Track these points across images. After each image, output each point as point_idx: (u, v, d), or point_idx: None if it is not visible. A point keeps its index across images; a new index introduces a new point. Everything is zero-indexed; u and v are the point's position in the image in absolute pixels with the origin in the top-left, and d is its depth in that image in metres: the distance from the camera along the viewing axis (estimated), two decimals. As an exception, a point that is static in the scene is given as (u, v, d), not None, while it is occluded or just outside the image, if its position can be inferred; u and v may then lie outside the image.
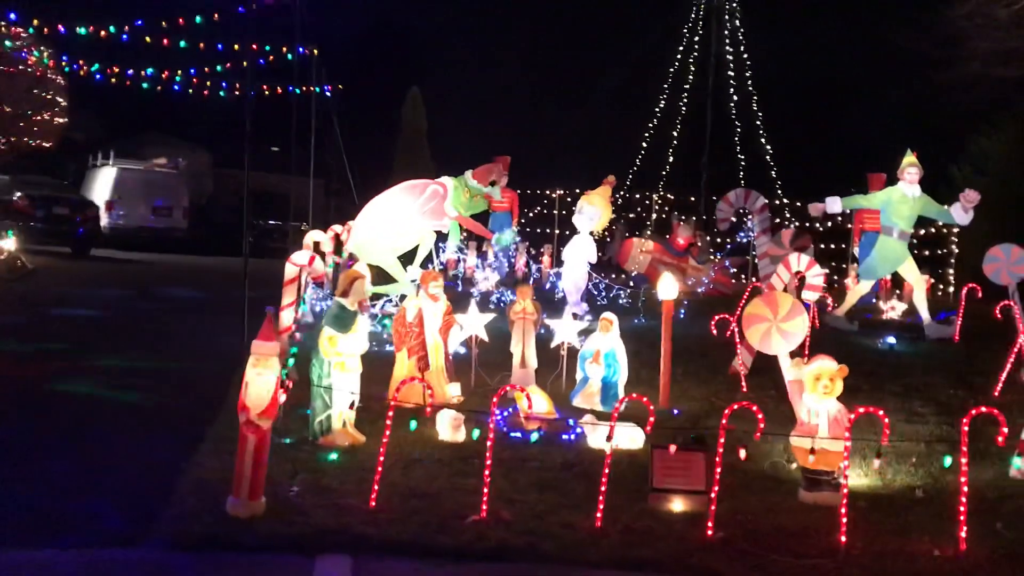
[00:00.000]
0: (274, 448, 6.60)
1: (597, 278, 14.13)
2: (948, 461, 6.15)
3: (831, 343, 12.34)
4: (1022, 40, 21.45)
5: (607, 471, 5.73)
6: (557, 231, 22.51)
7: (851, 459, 7.02)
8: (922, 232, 21.90)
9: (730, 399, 8.90)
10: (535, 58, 30.03)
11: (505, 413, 7.92)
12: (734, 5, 20.08)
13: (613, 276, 15.10)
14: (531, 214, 21.89)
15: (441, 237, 13.78)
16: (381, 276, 13.42)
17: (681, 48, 19.72)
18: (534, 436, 7.15)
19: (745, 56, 19.63)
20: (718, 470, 5.69)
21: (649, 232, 18.14)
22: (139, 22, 18.43)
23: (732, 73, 19.29)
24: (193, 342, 11.33)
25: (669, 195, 20.94)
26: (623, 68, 21.20)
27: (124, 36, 18.69)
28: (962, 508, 5.56)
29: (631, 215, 21.10)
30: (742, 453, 6.08)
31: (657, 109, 19.02)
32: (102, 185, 25.90)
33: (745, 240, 15.78)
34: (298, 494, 5.86)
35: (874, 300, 16.20)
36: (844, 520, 5.59)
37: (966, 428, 5.61)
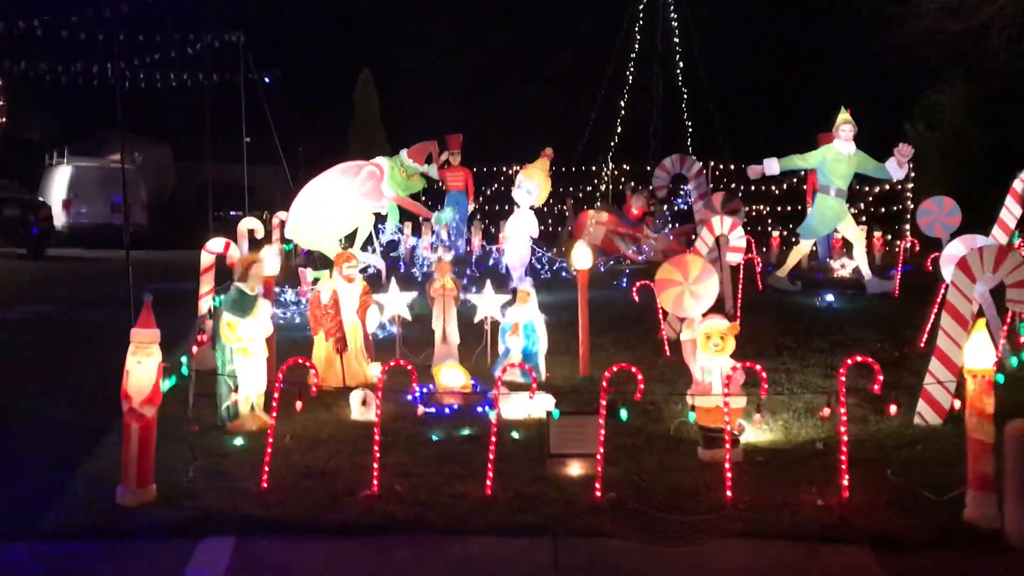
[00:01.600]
0: (179, 435, 6.68)
1: (540, 252, 14.15)
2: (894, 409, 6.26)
3: (771, 303, 12.53)
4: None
5: (494, 439, 5.77)
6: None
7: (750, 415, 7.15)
8: (876, 189, 22.07)
9: (653, 364, 9.05)
10: (489, 36, 29.90)
11: (425, 390, 7.98)
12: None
13: (556, 250, 15.10)
14: (488, 192, 21.87)
15: (380, 218, 13.76)
16: (322, 261, 13.47)
17: (626, 17, 19.65)
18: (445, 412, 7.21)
19: (690, 23, 19.60)
20: (602, 432, 5.73)
21: (599, 203, 18.15)
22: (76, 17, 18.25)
23: (678, 40, 19.26)
24: (122, 337, 11.29)
25: (625, 166, 20.94)
26: (573, 42, 21.12)
27: (63, 32, 18.53)
28: (843, 458, 5.64)
29: (588, 188, 21.08)
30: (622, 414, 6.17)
31: (605, 80, 19.00)
32: (58, 184, 25.76)
33: (684, 206, 15.85)
34: (192, 479, 5.89)
35: (828, 260, 16.33)
36: (729, 475, 5.66)
37: (843, 379, 5.68)
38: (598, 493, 5.64)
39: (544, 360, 8.67)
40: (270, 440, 5.80)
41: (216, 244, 8.91)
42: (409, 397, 7.14)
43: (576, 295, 12.89)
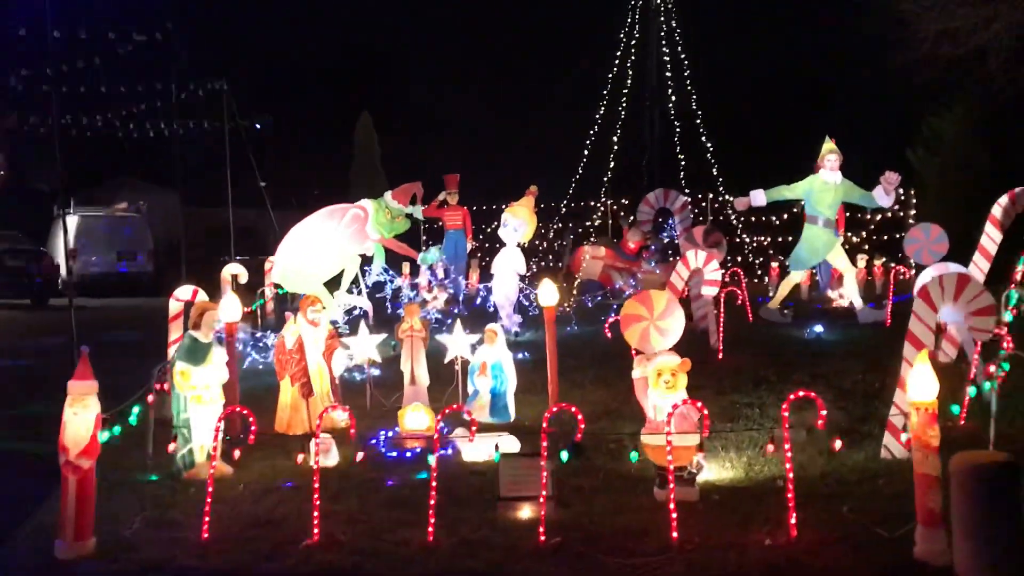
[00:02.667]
0: (128, 485, 6.64)
1: (528, 289, 14.11)
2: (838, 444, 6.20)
3: (759, 335, 12.41)
4: (965, 18, 21.46)
5: (434, 484, 5.69)
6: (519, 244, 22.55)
7: (714, 453, 7.05)
8: (879, 217, 21.96)
9: (627, 401, 8.94)
10: (486, 76, 30.19)
11: (390, 433, 7.92)
12: (670, 6, 20.09)
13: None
14: (488, 230, 21.92)
15: (366, 260, 13.78)
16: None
17: (619, 51, 19.73)
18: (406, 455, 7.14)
19: (683, 56, 19.64)
20: (544, 474, 5.64)
21: (593, 238, 18.15)
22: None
23: (669, 73, 19.29)
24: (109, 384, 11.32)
25: (624, 200, 20.95)
26: (569, 79, 21.25)
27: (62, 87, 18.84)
28: (790, 495, 5.52)
29: (586, 223, 21.11)
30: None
31: (598, 116, 19.03)
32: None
33: (668, 239, 15.78)
34: (136, 530, 5.84)
35: (828, 290, 16.18)
36: (674, 515, 5.54)
37: (786, 413, 5.57)
38: (542, 537, 5.54)
39: (513, 399, 8.59)
40: (210, 490, 5.74)
41: (184, 291, 8.92)
42: (386, 449, 7.09)
43: (562, 331, 12.93)
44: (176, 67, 19.76)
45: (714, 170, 18.63)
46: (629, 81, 19.30)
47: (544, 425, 5.70)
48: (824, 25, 25.43)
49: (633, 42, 19.89)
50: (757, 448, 7.33)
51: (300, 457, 6.61)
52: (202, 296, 8.71)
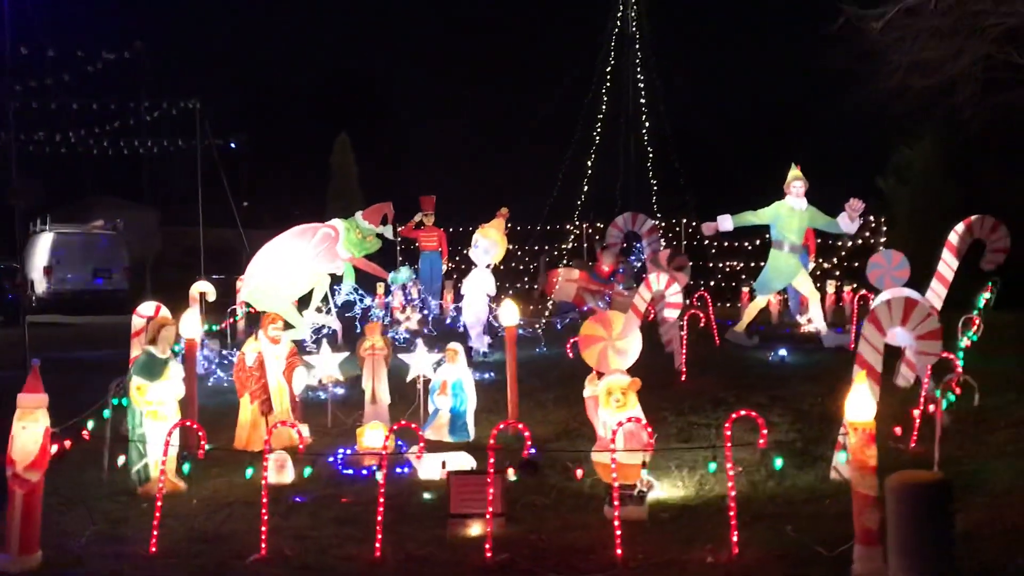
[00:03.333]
0: (82, 499, 6.66)
1: (496, 310, 14.20)
2: (779, 463, 6.29)
3: (724, 358, 12.53)
4: (934, 51, 21.83)
5: (382, 500, 5.74)
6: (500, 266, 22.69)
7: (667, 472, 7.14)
8: (849, 244, 22.20)
9: (586, 421, 9.03)
10: (465, 99, 30.48)
11: (348, 451, 7.97)
12: (636, 34, 20.35)
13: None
14: (465, 251, 22.00)
15: (336, 279, 13.84)
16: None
17: (595, 77, 19.96)
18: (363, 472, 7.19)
19: (658, 83, 19.90)
20: (491, 491, 5.70)
21: (572, 261, 18.31)
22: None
23: (644, 101, 19.52)
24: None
25: (599, 223, 21.09)
26: (547, 103, 21.43)
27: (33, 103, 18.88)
28: (732, 514, 5.60)
29: (562, 246, 21.24)
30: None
31: (572, 140, 19.25)
32: (41, 251, 25.96)
33: (637, 263, 15.92)
34: (86, 545, 5.85)
35: (797, 315, 16.33)
36: (618, 533, 5.61)
37: (728, 432, 5.66)
38: (489, 554, 5.59)
39: (473, 418, 8.65)
40: (158, 504, 5.77)
41: (147, 308, 8.96)
42: (343, 467, 7.12)
43: (531, 352, 13.02)
44: (144, 85, 19.84)
45: (687, 196, 18.87)
46: (604, 107, 19.51)
47: (491, 443, 5.76)
48: (797, 56, 25.83)
49: (609, 68, 20.12)
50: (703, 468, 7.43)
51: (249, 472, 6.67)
52: (164, 312, 8.74)
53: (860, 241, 22.54)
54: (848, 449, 5.39)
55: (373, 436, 7.90)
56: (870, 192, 24.14)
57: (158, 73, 20.05)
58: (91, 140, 20.11)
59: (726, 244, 21.36)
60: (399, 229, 18.53)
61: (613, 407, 6.37)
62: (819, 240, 19.14)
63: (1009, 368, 10.92)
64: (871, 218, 23.08)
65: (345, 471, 7.51)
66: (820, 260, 21.23)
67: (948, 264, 10.44)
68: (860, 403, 5.29)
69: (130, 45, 16.27)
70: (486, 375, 11.14)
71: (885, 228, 22.64)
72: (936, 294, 10.40)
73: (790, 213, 13.29)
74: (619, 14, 20.48)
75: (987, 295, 15.38)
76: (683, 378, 11.05)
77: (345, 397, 9.55)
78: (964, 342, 9.44)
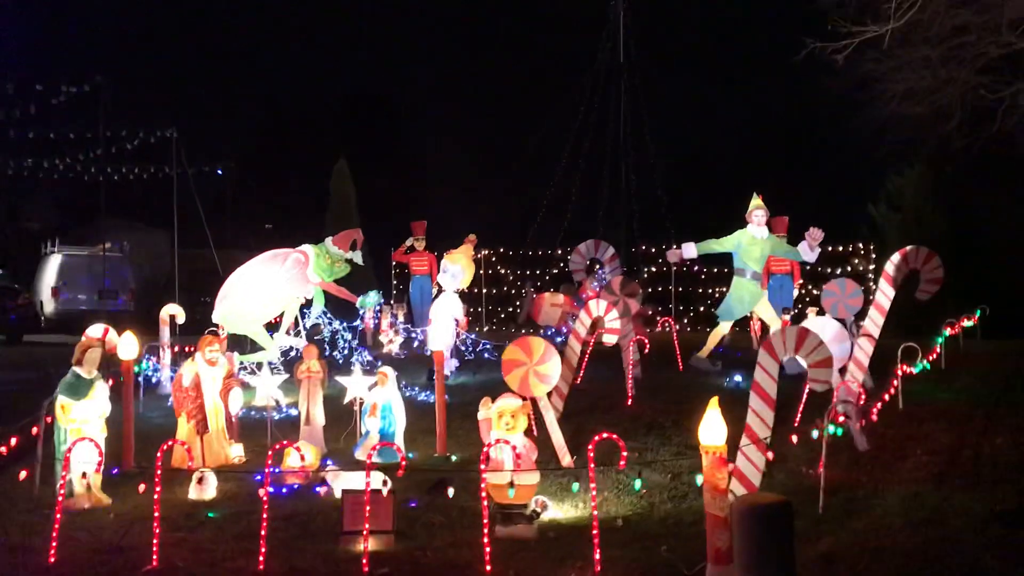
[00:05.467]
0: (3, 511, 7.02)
1: (464, 334, 14.53)
2: (638, 484, 6.55)
3: (680, 383, 12.74)
4: (925, 80, 22.00)
5: (265, 516, 6.04)
6: (484, 290, 23.04)
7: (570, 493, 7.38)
8: (838, 271, 22.30)
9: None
10: (461, 126, 31.02)
11: (276, 470, 8.27)
12: (623, 62, 20.71)
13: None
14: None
15: (306, 303, 14.20)
16: (251, 344, 13.90)
17: (582, 104, 20.34)
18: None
19: (645, 113, 20.24)
20: (367, 508, 5.99)
21: (562, 286, 18.65)
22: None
23: (628, 130, 19.88)
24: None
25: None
26: (537, 131, 21.84)
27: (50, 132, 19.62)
28: (595, 532, 5.84)
29: (550, 270, 21.55)
30: (450, 491, 6.49)
31: (558, 166, 19.66)
32: (49, 272, 26.63)
33: (598, 289, 16.17)
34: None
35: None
36: (487, 550, 5.87)
37: (591, 454, 5.91)
38: (365, 568, 5.87)
39: (403, 440, 8.93)
40: (58, 516, 6.10)
41: (96, 330, 9.35)
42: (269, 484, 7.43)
43: (497, 375, 13.31)
44: (106, 111, 20.50)
45: (667, 222, 19.18)
46: (589, 136, 19.91)
47: (368, 461, 6.05)
48: (791, 83, 26.06)
49: (595, 97, 20.52)
50: (612, 489, 7.67)
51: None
52: (112, 335, 9.13)
53: (850, 268, 22.68)
54: (703, 472, 5.62)
55: (297, 456, 8.21)
56: (861, 219, 24.38)
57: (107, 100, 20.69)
58: (92, 167, 20.78)
59: (715, 270, 21.60)
60: (393, 252, 18.98)
61: (503, 429, 6.63)
62: (807, 267, 19.30)
63: (955, 398, 11.08)
64: (860, 245, 23.24)
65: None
66: (809, 286, 21.41)
67: (885, 294, 10.60)
68: (712, 428, 5.53)
69: (93, 77, 16.81)
70: (422, 395, 11.53)
71: (875, 255, 22.74)
72: (874, 323, 10.55)
73: (752, 241, 13.51)
74: (608, 44, 20.86)
75: (968, 323, 15.56)
76: (629, 402, 11.28)
77: (290, 418, 9.88)
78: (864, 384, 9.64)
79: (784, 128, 27.55)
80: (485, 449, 6.33)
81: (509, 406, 6.70)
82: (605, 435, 6.06)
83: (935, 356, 13.16)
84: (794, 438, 7.71)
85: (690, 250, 13.82)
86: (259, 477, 8.07)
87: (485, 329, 21.77)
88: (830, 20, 15.43)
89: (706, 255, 14.15)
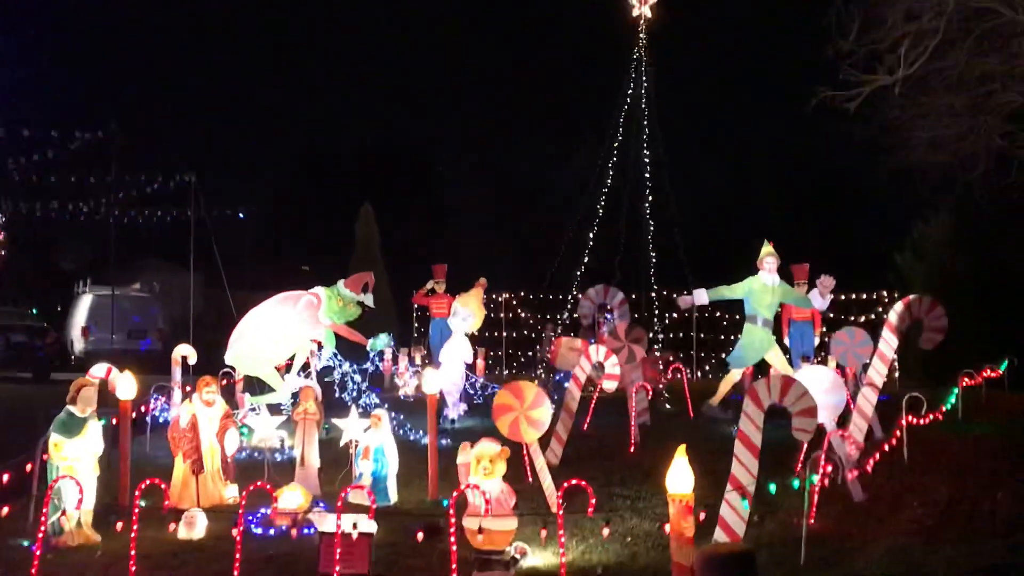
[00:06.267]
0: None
1: (472, 377, 14.59)
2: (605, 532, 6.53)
3: (685, 429, 12.66)
4: (951, 127, 21.97)
5: (238, 556, 6.10)
6: (505, 334, 23.09)
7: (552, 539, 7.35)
8: (862, 319, 22.07)
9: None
10: (484, 170, 31.41)
11: (265, 511, 8.35)
12: (645, 110, 20.81)
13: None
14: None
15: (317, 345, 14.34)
16: (260, 385, 14.06)
17: (601, 152, 20.42)
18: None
19: (665, 157, 20.27)
20: (337, 549, 6.02)
21: (557, 330, 18.67)
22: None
23: (648, 175, 19.90)
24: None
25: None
26: (558, 177, 22.04)
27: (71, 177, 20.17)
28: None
29: (569, 315, 21.58)
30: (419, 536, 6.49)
31: (577, 215, 19.72)
32: (80, 312, 27.15)
33: (607, 334, 16.19)
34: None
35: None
36: (455, 595, 5.88)
37: (560, 501, 5.91)
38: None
39: (395, 482, 8.97)
40: (37, 554, 6.21)
41: (99, 369, 9.54)
42: (258, 525, 7.50)
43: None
44: (132, 156, 21.10)
45: (685, 268, 19.10)
46: (609, 180, 19.96)
47: (339, 504, 6.10)
48: (816, 130, 26.06)
49: (616, 144, 20.59)
50: (597, 537, 7.63)
51: (172, 527, 7.13)
52: (115, 374, 9.31)
53: (874, 316, 22.41)
54: (670, 519, 5.60)
55: (289, 497, 8.28)
56: (887, 266, 24.15)
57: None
58: (116, 211, 21.35)
59: (738, 317, 21.47)
60: (413, 296, 19.19)
61: (481, 474, 6.66)
62: (830, 314, 19.14)
63: (963, 450, 10.91)
64: (884, 293, 23.00)
65: (255, 530, 7.86)
66: (828, 334, 21.21)
67: (888, 343, 10.51)
68: (678, 476, 5.52)
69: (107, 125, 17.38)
70: (444, 441, 11.50)
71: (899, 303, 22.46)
72: (878, 373, 10.46)
73: (763, 288, 13.48)
74: (629, 91, 20.99)
75: (991, 374, 15.33)
76: (632, 449, 11.25)
77: (289, 460, 9.96)
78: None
79: (809, 175, 27.49)
80: (455, 495, 6.35)
81: (487, 451, 6.73)
82: (574, 482, 6.06)
83: (949, 408, 12.98)
84: (772, 487, 7.62)
85: (701, 296, 13.82)
86: (250, 518, 8.16)
87: (505, 373, 21.78)
88: (841, 69, 15.49)
89: (720, 301, 14.16)
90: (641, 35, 19.80)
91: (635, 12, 20.17)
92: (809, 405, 7.15)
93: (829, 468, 8.07)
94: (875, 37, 15.74)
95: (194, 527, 7.67)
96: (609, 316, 16.00)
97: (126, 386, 8.51)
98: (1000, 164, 21.94)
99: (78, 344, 26.78)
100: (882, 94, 21.74)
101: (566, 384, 16.60)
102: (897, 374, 20.88)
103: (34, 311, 25.41)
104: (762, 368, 14.83)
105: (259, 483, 7.06)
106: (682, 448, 5.66)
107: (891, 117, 21.81)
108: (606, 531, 6.21)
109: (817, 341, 17.99)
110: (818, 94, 15.94)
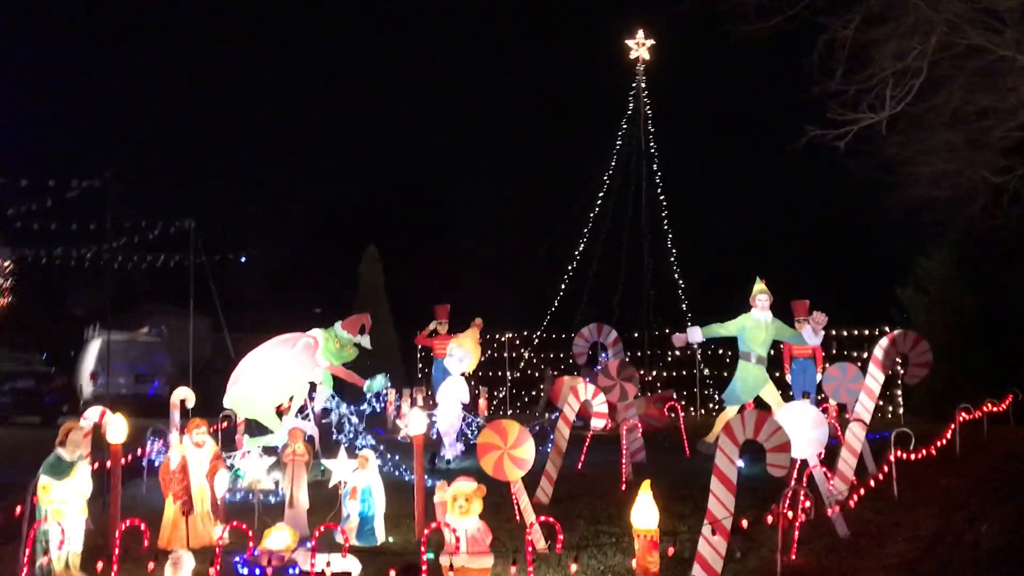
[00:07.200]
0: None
1: (469, 418, 14.68)
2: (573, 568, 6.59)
3: (681, 469, 12.69)
4: (950, 163, 22.05)
5: (215, 595, 6.20)
6: (508, 373, 23.20)
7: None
8: (865, 355, 22.08)
9: (497, 527, 9.35)
10: (487, 212, 31.76)
11: (255, 552, 8.43)
12: (653, 150, 21.12)
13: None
14: (481, 358, 22.56)
15: (314, 386, 14.47)
16: (260, 428, 14.18)
17: (602, 193, 20.74)
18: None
19: (663, 198, 20.54)
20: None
21: (559, 369, 18.77)
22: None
23: (646, 217, 20.19)
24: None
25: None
26: (558, 218, 22.28)
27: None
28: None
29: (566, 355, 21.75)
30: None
31: (576, 253, 19.97)
32: (90, 356, 27.42)
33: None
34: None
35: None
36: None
37: (529, 538, 6.00)
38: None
39: (383, 523, 9.05)
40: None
41: (93, 413, 9.70)
42: (244, 565, 7.61)
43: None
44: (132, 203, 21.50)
45: (684, 306, 19.29)
46: (610, 221, 20.25)
47: (313, 544, 6.20)
48: (817, 168, 26.25)
49: (616, 183, 20.91)
50: (583, 574, 7.70)
51: (151, 566, 7.22)
52: (109, 416, 9.46)
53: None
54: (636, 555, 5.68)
55: (277, 537, 8.36)
56: (889, 301, 24.18)
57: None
58: (120, 256, 21.71)
59: (709, 352, 21.52)
60: (415, 336, 19.38)
61: (457, 512, 6.75)
62: (833, 351, 19.22)
63: (955, 485, 10.91)
64: (887, 328, 23.00)
65: (241, 570, 7.95)
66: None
67: (875, 378, 10.58)
68: (643, 512, 5.61)
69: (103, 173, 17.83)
70: (439, 481, 11.56)
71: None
72: (865, 408, 10.52)
73: (756, 325, 13.57)
74: (626, 130, 21.33)
75: (991, 408, 15.32)
76: (623, 487, 11.28)
77: (280, 500, 10.05)
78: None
79: (811, 211, 27.63)
80: (426, 533, 6.45)
81: (463, 490, 6.83)
82: (543, 519, 6.14)
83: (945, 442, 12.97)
84: (744, 522, 7.66)
85: (695, 334, 13.93)
86: (236, 558, 8.25)
87: (508, 412, 21.83)
88: (828, 108, 15.68)
89: (715, 338, 14.22)
90: (639, 75, 20.19)
91: (632, 55, 20.56)
92: (783, 441, 7.23)
93: (808, 504, 8.10)
94: (859, 77, 15.91)
95: (180, 568, 7.75)
96: (604, 355, 16.11)
97: (116, 429, 8.66)
98: (998, 198, 22.00)
99: (86, 388, 27.02)
100: (878, 131, 21.92)
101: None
102: (902, 410, 20.91)
103: (44, 356, 25.65)
104: (761, 405, 14.89)
105: (235, 523, 7.15)
106: (646, 484, 5.76)
107: (890, 154, 21.95)
108: (573, 567, 6.24)
109: (819, 378, 18.00)
110: (807, 133, 16.09)
